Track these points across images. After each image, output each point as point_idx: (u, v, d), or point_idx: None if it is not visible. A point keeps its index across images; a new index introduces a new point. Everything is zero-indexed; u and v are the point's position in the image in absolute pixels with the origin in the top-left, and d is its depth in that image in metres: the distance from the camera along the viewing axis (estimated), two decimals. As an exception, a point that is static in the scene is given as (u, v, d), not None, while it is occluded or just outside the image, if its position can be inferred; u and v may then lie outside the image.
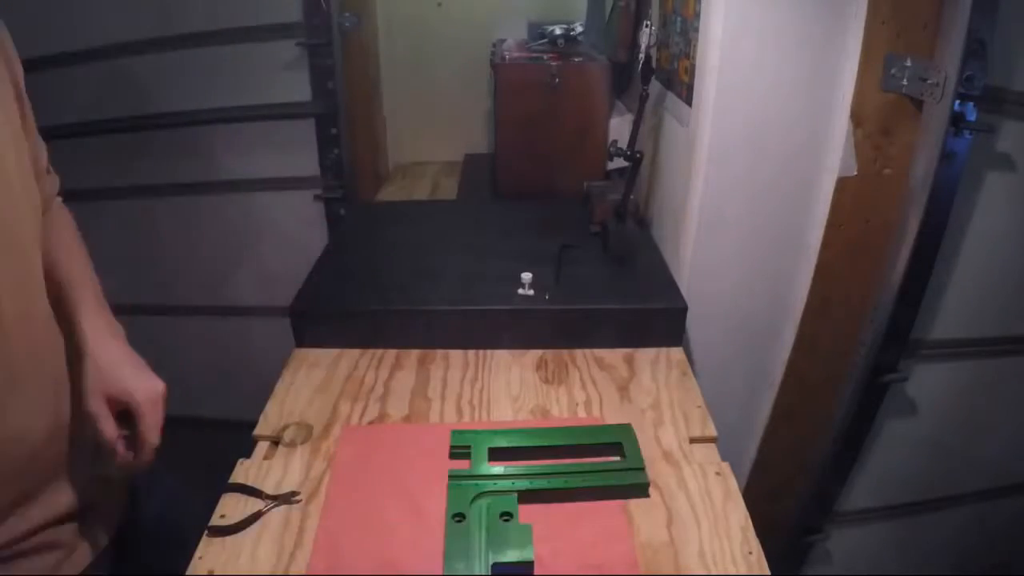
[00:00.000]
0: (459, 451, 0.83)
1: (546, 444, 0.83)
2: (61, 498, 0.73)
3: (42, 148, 0.78)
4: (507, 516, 0.72)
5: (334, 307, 1.10)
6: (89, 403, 0.69)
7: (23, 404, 0.67)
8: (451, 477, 0.78)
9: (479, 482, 0.77)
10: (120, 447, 0.70)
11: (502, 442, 0.83)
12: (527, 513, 0.75)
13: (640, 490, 0.78)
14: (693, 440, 0.88)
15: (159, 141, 1.57)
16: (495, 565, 0.67)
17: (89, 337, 0.73)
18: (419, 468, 0.82)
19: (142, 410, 0.70)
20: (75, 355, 0.73)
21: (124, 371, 0.72)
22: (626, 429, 0.85)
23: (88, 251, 0.83)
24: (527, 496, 0.76)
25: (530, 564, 0.67)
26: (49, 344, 0.73)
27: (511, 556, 0.67)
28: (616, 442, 0.83)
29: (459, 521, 0.72)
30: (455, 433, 0.85)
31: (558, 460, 0.81)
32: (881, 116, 1.02)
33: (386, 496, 0.78)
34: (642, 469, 0.79)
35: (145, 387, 0.72)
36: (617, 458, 0.82)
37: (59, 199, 0.84)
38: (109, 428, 0.69)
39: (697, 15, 1.06)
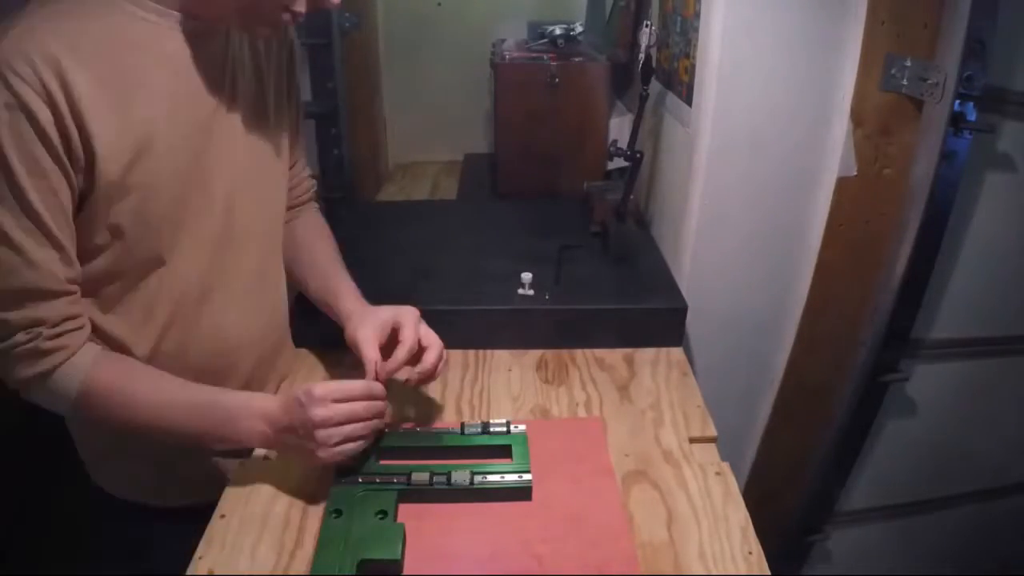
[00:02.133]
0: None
1: (438, 445, 0.83)
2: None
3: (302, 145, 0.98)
4: (382, 514, 0.72)
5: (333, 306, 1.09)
6: (357, 332, 0.83)
7: (245, 311, 0.85)
8: (337, 472, 0.77)
9: (361, 479, 0.76)
10: (372, 367, 0.80)
11: (394, 442, 0.83)
12: (524, 512, 0.75)
13: (523, 493, 0.77)
14: (693, 440, 0.88)
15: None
16: (361, 563, 0.66)
17: (342, 304, 0.90)
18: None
19: (408, 318, 0.85)
20: (333, 310, 0.91)
21: (383, 309, 0.87)
22: (519, 436, 0.84)
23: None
24: (408, 495, 0.75)
25: (396, 563, 0.67)
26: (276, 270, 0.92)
27: (377, 554, 0.67)
28: (506, 445, 0.82)
29: (336, 517, 0.72)
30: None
31: (447, 461, 0.80)
32: (881, 116, 1.02)
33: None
34: (527, 471, 0.78)
35: (403, 309, 0.86)
36: (507, 460, 0.81)
37: (314, 204, 1.05)
38: (371, 351, 0.82)
39: (697, 15, 1.06)
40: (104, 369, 0.71)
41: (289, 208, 0.95)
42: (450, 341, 1.06)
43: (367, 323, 0.84)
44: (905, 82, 0.97)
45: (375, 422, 0.76)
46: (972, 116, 0.93)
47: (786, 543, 1.37)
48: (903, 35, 0.96)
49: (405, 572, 0.68)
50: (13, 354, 0.66)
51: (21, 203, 0.62)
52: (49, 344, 0.67)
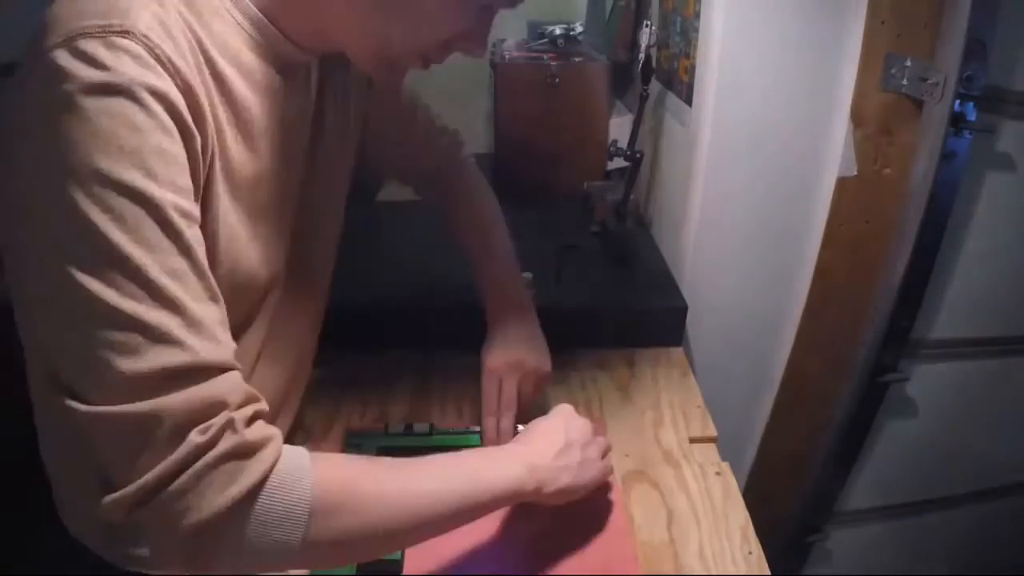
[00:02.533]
0: (351, 449, 0.84)
1: (440, 445, 0.84)
2: None
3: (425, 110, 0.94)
4: None
5: (334, 307, 1.09)
6: (486, 370, 0.82)
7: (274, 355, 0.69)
8: None
9: None
10: (489, 425, 0.80)
11: (395, 443, 0.84)
12: (524, 512, 0.75)
13: None
14: (693, 440, 0.88)
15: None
16: (361, 564, 0.67)
17: (492, 309, 0.86)
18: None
19: (526, 386, 0.82)
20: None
21: (521, 347, 0.83)
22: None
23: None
24: None
25: (396, 563, 0.68)
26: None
27: None
28: None
29: None
30: (348, 435, 0.86)
31: None
32: (881, 116, 1.02)
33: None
34: None
35: (535, 366, 0.83)
36: None
37: (470, 158, 1.01)
38: (490, 403, 0.80)
39: (697, 15, 1.06)
40: (324, 460, 0.49)
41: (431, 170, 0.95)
42: (450, 341, 1.07)
43: (497, 361, 0.83)
44: (905, 82, 0.97)
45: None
46: (972, 116, 0.93)
47: (786, 543, 1.37)
48: (903, 35, 0.96)
49: (405, 572, 0.68)
50: (202, 470, 0.40)
51: (170, 238, 0.43)
52: (252, 434, 0.43)
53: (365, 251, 1.30)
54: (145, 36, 0.42)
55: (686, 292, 1.11)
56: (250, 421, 0.44)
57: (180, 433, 0.40)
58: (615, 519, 0.75)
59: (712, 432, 0.90)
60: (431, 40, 0.57)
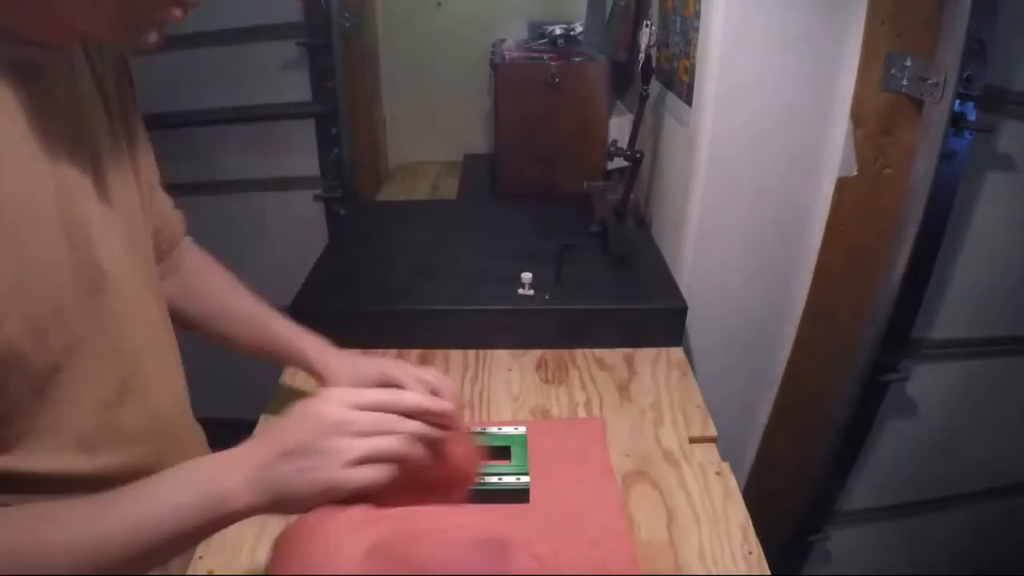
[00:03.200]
0: None
1: None
2: None
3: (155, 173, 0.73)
4: None
5: (334, 307, 1.10)
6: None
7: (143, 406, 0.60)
8: None
9: None
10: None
11: None
12: (524, 512, 0.75)
13: (520, 495, 0.77)
14: (693, 440, 0.88)
15: (159, 141, 1.57)
16: None
17: (312, 353, 0.79)
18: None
19: (407, 379, 0.66)
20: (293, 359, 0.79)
21: (367, 363, 0.77)
22: (519, 438, 0.83)
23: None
24: None
25: None
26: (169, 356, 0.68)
27: None
28: (504, 446, 0.82)
29: None
30: None
31: None
32: (881, 116, 1.02)
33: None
34: (525, 473, 0.78)
35: (389, 364, 0.75)
36: (505, 462, 0.80)
37: (188, 238, 0.82)
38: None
39: (697, 14, 1.06)
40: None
41: (167, 252, 0.77)
42: (450, 341, 1.07)
43: (357, 378, 0.75)
44: (905, 82, 0.97)
45: (409, 442, 0.52)
46: (972, 116, 0.93)
47: (786, 543, 1.37)
48: (903, 35, 0.96)
49: (405, 572, 0.68)
50: None
51: None
52: None
53: (365, 251, 1.30)
54: None
55: (686, 292, 1.11)
56: None
57: None
58: (615, 519, 0.75)
59: (712, 432, 0.90)
60: None
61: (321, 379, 0.79)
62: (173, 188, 0.82)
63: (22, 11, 0.46)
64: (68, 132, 0.53)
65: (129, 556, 0.47)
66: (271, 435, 0.52)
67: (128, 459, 0.58)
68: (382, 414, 0.53)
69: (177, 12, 0.50)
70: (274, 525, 0.74)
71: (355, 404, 0.52)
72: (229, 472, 0.50)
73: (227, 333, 0.80)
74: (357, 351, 0.84)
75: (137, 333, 0.60)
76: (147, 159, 0.70)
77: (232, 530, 0.73)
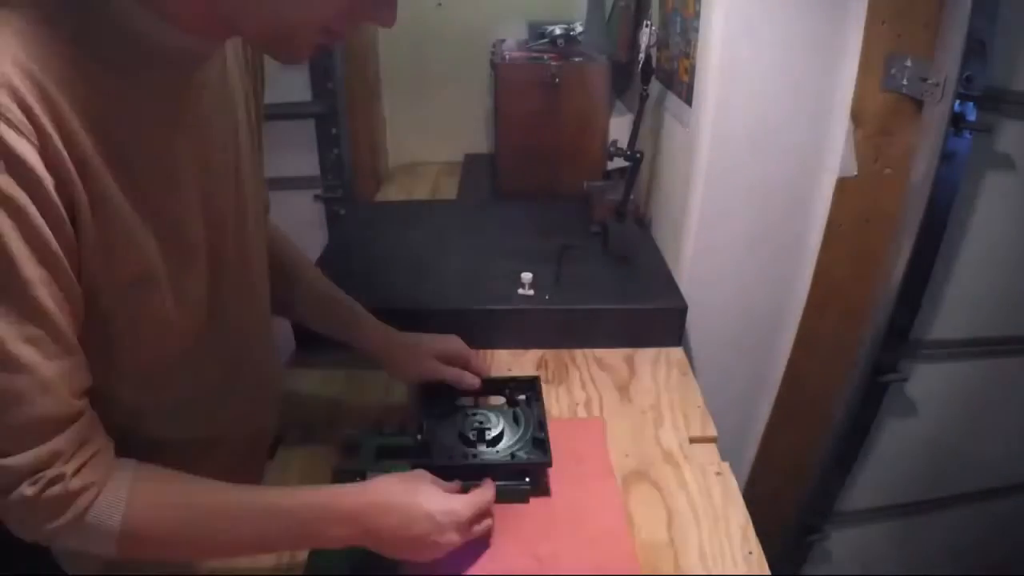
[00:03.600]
0: (350, 448, 0.83)
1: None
2: None
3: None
4: None
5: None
6: (423, 368, 0.87)
7: (237, 397, 0.72)
8: (337, 473, 0.77)
9: (365, 475, 0.75)
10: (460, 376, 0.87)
11: (395, 441, 0.82)
12: (524, 512, 0.75)
13: (520, 495, 0.78)
14: (693, 440, 0.88)
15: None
16: (360, 559, 0.66)
17: (380, 335, 0.89)
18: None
19: (464, 351, 0.90)
20: (375, 349, 0.89)
21: (424, 339, 0.90)
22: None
23: None
24: None
25: (393, 563, 0.66)
26: (266, 346, 0.79)
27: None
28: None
29: None
30: (348, 435, 0.85)
31: None
32: (881, 116, 1.02)
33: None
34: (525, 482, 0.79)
35: (448, 340, 0.91)
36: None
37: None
38: (452, 372, 0.87)
39: (697, 15, 1.06)
40: (144, 493, 0.55)
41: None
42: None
43: (426, 358, 0.88)
44: (905, 82, 0.97)
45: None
46: (972, 116, 0.93)
47: (786, 543, 1.37)
48: (903, 35, 0.96)
49: (405, 572, 0.68)
50: (29, 507, 0.50)
51: (24, 304, 0.47)
52: (75, 483, 0.51)
53: (365, 251, 1.30)
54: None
55: (686, 292, 1.11)
56: (80, 469, 0.52)
57: (18, 480, 0.49)
58: (615, 519, 0.75)
59: (712, 432, 0.90)
60: (329, 9, 0.52)
61: (382, 363, 0.89)
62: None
63: (187, 5, 0.52)
64: (217, 123, 0.61)
65: (251, 543, 0.61)
66: (389, 514, 0.63)
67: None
68: (477, 512, 0.68)
69: (324, 38, 0.55)
70: (274, 525, 0.74)
71: (472, 518, 0.67)
72: (349, 526, 0.62)
73: (297, 302, 0.87)
74: (413, 333, 0.91)
75: (245, 313, 0.71)
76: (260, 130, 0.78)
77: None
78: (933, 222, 1.00)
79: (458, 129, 2.13)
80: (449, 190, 1.90)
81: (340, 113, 1.60)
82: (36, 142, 0.44)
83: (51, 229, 0.46)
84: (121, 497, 0.54)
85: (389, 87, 2.11)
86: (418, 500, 0.64)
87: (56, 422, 0.50)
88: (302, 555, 0.70)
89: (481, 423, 0.83)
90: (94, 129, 0.48)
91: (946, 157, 0.95)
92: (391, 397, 0.96)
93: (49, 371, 0.49)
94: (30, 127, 0.44)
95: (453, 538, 0.65)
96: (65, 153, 0.46)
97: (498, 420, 0.84)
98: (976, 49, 0.89)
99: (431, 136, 2.17)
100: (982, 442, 1.29)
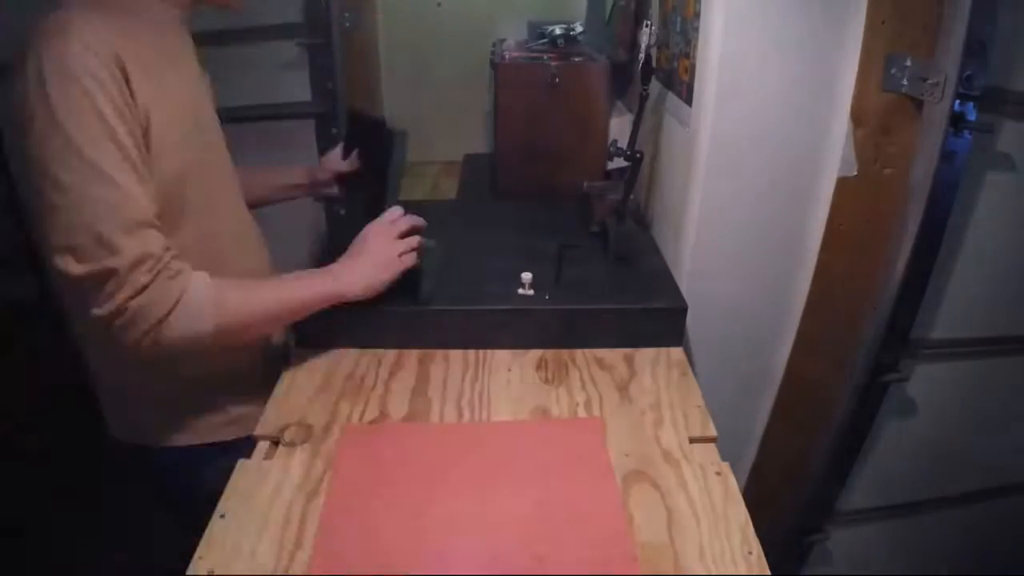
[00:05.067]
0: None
1: None
2: None
3: None
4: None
5: (334, 307, 1.10)
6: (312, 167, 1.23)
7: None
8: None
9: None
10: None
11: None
12: (524, 512, 0.75)
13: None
14: (693, 440, 0.88)
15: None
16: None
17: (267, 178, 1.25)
18: (419, 468, 0.82)
19: (309, 172, 1.26)
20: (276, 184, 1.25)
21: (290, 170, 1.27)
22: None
23: None
24: None
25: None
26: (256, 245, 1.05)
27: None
28: None
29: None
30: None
31: None
32: (881, 116, 1.02)
33: (387, 496, 0.78)
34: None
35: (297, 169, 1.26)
36: None
37: None
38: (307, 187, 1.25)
39: (697, 15, 1.06)
40: (217, 279, 0.79)
41: None
42: (450, 341, 1.07)
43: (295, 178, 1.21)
44: (905, 82, 0.97)
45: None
46: (972, 116, 0.93)
47: (786, 543, 1.38)
48: (903, 35, 0.96)
49: (405, 572, 0.68)
50: (147, 297, 0.71)
51: (116, 142, 0.70)
52: (174, 265, 0.74)
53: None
54: (114, 54, 0.71)
55: (686, 292, 1.11)
56: (172, 259, 0.74)
57: (128, 272, 0.70)
58: (615, 519, 0.75)
59: (712, 432, 0.90)
60: None
61: (296, 175, 1.24)
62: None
63: None
64: (194, 65, 0.91)
65: (293, 310, 0.91)
66: (356, 256, 0.96)
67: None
68: (406, 227, 0.99)
69: None
70: (274, 525, 0.74)
71: (391, 222, 0.99)
72: (342, 279, 0.94)
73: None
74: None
75: (228, 189, 0.98)
76: None
77: (232, 530, 0.73)
78: (933, 222, 1.00)
79: (458, 129, 2.13)
80: (449, 190, 1.90)
81: (340, 113, 1.60)
82: (116, 74, 0.71)
83: (123, 105, 0.71)
84: (204, 276, 0.77)
85: (389, 87, 2.11)
86: (361, 238, 0.97)
87: (146, 224, 0.72)
88: (302, 555, 0.70)
89: None
90: (139, 65, 0.74)
91: (946, 157, 0.95)
92: (393, 395, 0.96)
93: (135, 188, 0.71)
94: (113, 65, 0.71)
95: (388, 254, 0.96)
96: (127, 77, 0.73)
97: None
98: (976, 49, 0.89)
99: (431, 136, 2.17)
100: (982, 442, 1.29)
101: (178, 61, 0.86)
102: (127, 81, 0.72)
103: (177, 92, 0.82)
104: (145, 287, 0.70)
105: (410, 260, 0.96)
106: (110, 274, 0.69)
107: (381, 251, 0.95)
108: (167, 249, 0.74)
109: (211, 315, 0.76)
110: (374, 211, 1.07)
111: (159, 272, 0.72)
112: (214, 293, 0.77)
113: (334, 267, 0.94)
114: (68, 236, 0.69)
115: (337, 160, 1.21)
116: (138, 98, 0.73)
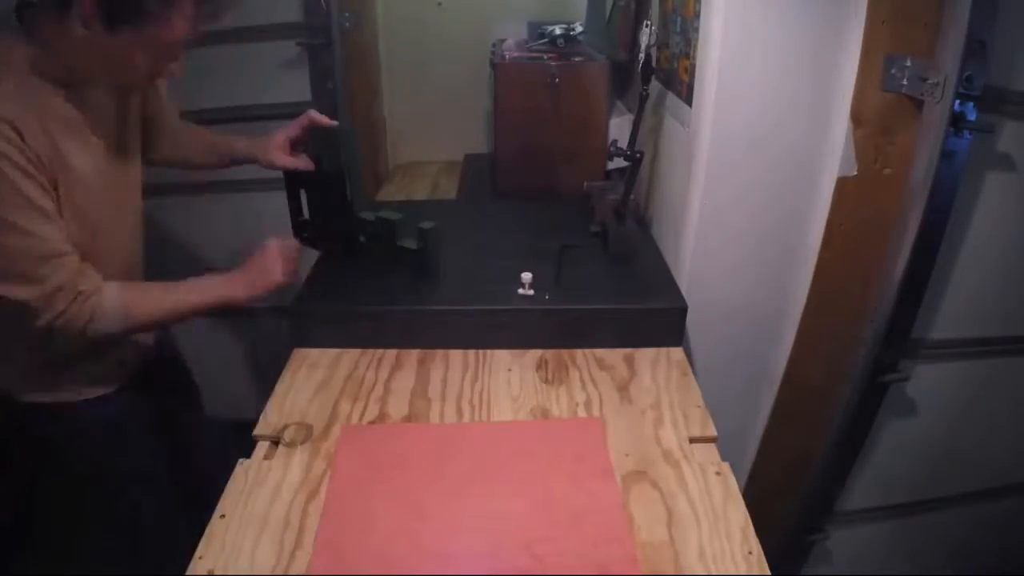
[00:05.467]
0: None
1: None
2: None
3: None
4: None
5: (334, 307, 1.10)
6: (273, 158, 1.18)
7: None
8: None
9: None
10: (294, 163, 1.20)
11: None
12: (524, 512, 0.75)
13: None
14: (693, 440, 0.88)
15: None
16: None
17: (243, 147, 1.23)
18: (419, 467, 0.82)
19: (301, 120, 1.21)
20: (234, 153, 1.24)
21: (272, 136, 1.21)
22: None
23: None
24: None
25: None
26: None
27: None
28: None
29: None
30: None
31: None
32: (881, 116, 1.02)
33: (387, 496, 0.78)
34: None
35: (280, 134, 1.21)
36: None
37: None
38: (289, 161, 1.19)
39: (697, 14, 1.06)
40: (125, 285, 0.94)
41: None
42: (450, 341, 1.07)
43: (275, 139, 1.17)
44: (905, 82, 0.97)
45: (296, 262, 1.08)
46: (972, 116, 0.93)
47: (786, 543, 1.37)
48: (903, 35, 0.96)
49: (405, 572, 0.68)
50: (71, 314, 0.86)
51: (32, 205, 0.82)
52: (87, 288, 0.87)
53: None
54: (11, 122, 0.78)
55: (686, 292, 1.11)
56: (83, 280, 0.87)
57: (48, 304, 0.85)
58: (615, 519, 0.75)
59: (712, 432, 0.90)
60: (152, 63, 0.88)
61: (257, 153, 1.19)
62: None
63: (101, 69, 0.89)
64: (108, 130, 0.96)
65: (190, 311, 0.98)
66: (247, 267, 1.03)
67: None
68: (287, 251, 1.06)
69: (175, 69, 0.93)
70: (274, 525, 0.74)
71: (286, 246, 1.06)
72: (230, 285, 1.01)
73: (186, 156, 1.21)
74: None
75: (129, 233, 1.07)
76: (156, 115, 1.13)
77: (232, 530, 0.73)
78: (933, 222, 1.00)
79: (458, 129, 2.13)
80: (449, 190, 1.90)
81: (340, 113, 1.59)
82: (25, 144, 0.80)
83: (36, 174, 0.81)
84: (114, 287, 0.90)
85: (389, 87, 2.11)
86: (256, 253, 1.04)
87: (60, 254, 0.84)
88: (302, 555, 0.70)
89: None
90: (50, 136, 0.84)
91: (946, 157, 0.95)
92: (393, 395, 0.97)
93: (46, 229, 0.83)
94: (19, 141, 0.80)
95: (271, 267, 1.03)
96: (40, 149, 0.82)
97: None
98: (976, 49, 0.89)
99: (431, 136, 2.17)
100: (982, 442, 1.29)
101: (87, 131, 0.92)
102: (21, 138, 0.80)
103: (80, 161, 0.89)
104: (63, 312, 0.85)
105: (289, 279, 1.05)
106: (39, 299, 0.84)
107: (267, 266, 1.04)
108: (80, 273, 0.88)
109: (120, 319, 0.91)
110: (339, 210, 1.17)
111: (73, 299, 0.86)
112: (122, 304, 0.91)
113: (228, 275, 1.04)
114: (3, 269, 0.84)
115: (281, 156, 1.19)
116: (39, 153, 0.82)
